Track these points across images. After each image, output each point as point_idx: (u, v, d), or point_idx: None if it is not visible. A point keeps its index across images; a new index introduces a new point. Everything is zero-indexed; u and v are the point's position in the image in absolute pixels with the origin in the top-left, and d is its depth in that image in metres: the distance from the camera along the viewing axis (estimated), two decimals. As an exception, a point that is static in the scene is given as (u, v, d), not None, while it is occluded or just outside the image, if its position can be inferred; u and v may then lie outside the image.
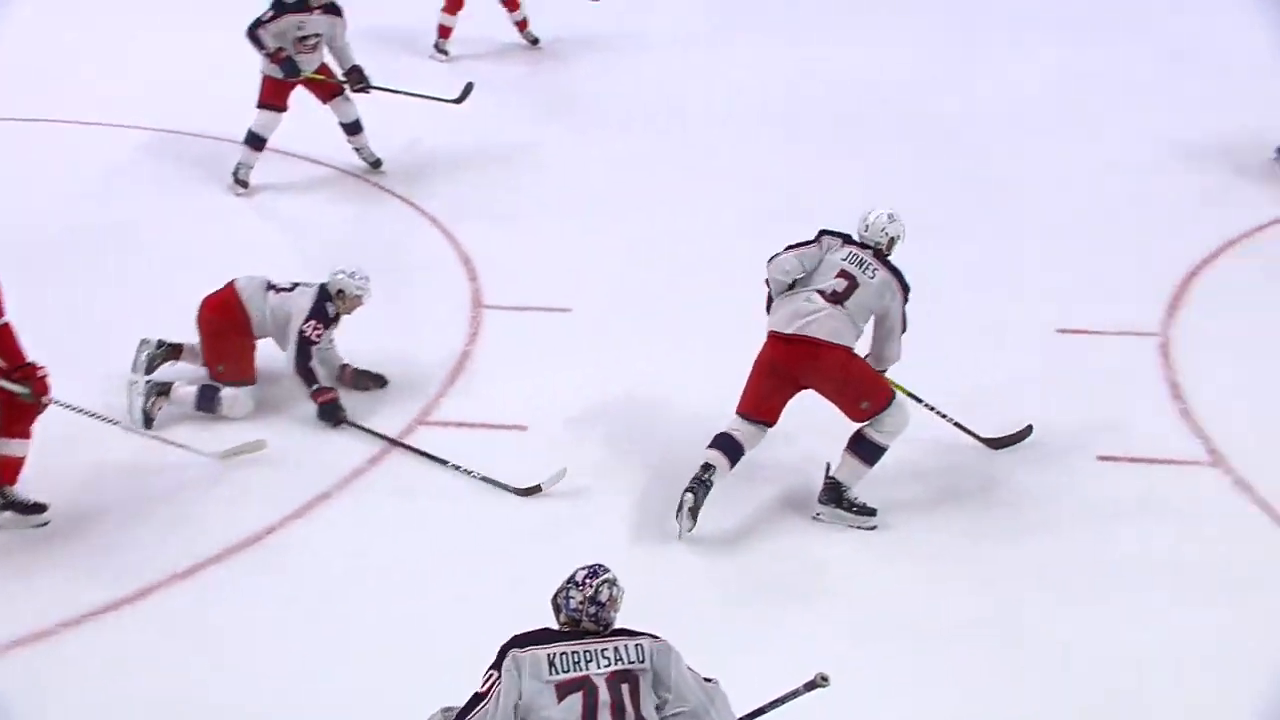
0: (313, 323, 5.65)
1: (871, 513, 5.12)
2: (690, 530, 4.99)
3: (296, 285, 5.78)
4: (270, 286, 5.78)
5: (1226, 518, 5.19)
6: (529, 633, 3.49)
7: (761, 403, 5.12)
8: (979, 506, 5.25)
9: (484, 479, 5.34)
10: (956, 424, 5.45)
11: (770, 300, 5.21)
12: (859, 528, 5.10)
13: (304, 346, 5.65)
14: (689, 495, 4.98)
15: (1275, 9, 9.27)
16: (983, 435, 5.49)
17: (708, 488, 5.02)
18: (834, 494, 5.11)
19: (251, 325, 5.75)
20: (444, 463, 5.41)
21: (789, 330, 5.03)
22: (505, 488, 5.30)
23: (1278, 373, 6.02)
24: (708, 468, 5.04)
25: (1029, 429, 5.53)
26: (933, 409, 5.42)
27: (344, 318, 5.80)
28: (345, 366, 5.95)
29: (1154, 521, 5.16)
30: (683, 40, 9.50)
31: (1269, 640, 4.60)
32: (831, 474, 5.11)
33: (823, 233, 5.22)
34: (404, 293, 6.43)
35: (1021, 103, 8.57)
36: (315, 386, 5.66)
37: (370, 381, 5.96)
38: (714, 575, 4.91)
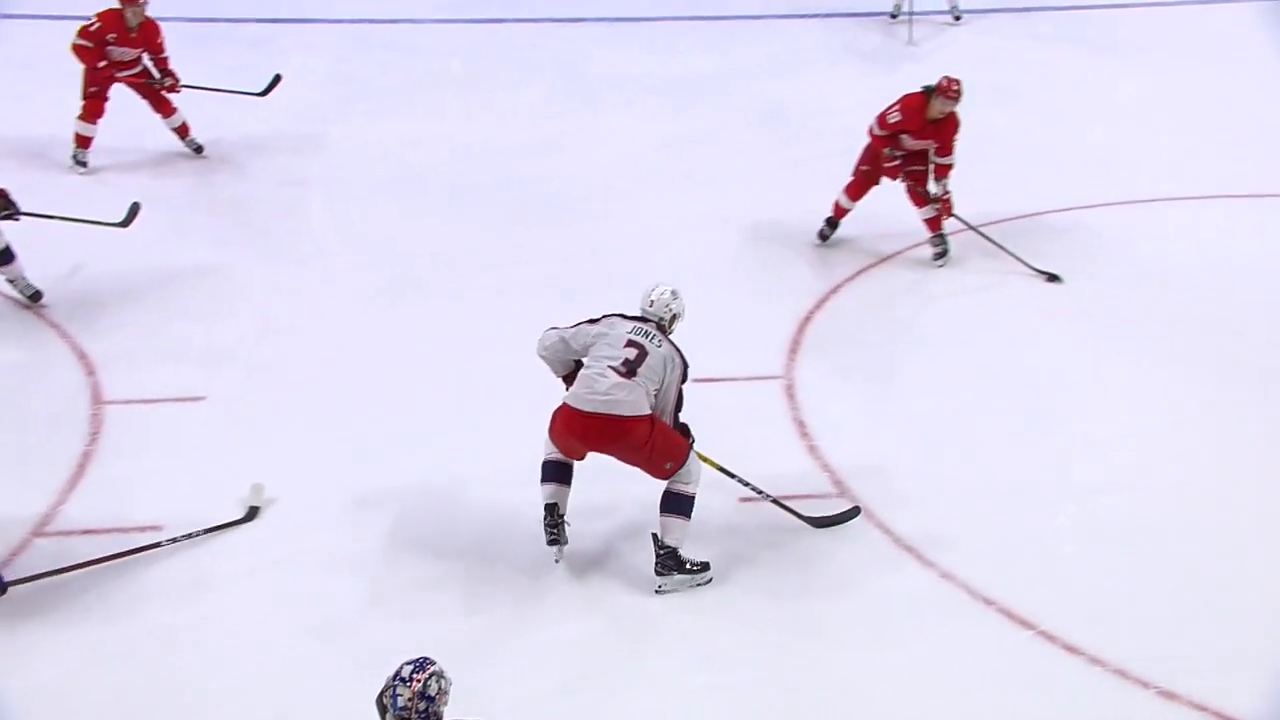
0: None
1: (706, 566, 5.24)
2: (566, 546, 5.22)
3: None
4: None
5: (854, 545, 5.48)
6: None
7: (571, 453, 5.21)
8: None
9: (205, 531, 5.29)
10: (775, 501, 5.52)
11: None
12: (699, 585, 5.20)
13: None
14: (554, 548, 5.19)
15: (860, 72, 10.25)
16: (805, 514, 5.55)
17: (562, 527, 5.18)
18: (671, 560, 5.16)
19: None
20: (154, 546, 5.21)
21: (589, 410, 5.04)
22: (227, 525, 5.32)
23: (881, 403, 6.48)
24: (551, 509, 5.15)
25: (856, 510, 5.63)
26: (747, 484, 5.50)
27: None
28: None
29: (793, 560, 5.40)
30: (306, 119, 9.42)
31: (916, 666, 4.91)
32: (662, 541, 5.16)
33: (605, 315, 5.27)
34: (7, 394, 5.89)
35: (630, 164, 8.92)
36: None
37: None
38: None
